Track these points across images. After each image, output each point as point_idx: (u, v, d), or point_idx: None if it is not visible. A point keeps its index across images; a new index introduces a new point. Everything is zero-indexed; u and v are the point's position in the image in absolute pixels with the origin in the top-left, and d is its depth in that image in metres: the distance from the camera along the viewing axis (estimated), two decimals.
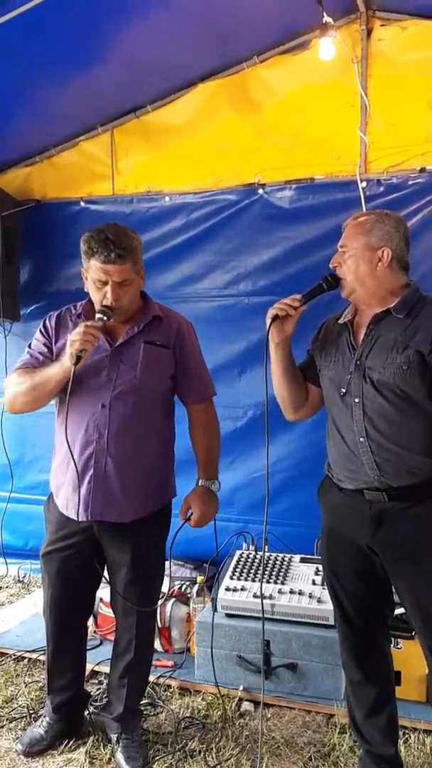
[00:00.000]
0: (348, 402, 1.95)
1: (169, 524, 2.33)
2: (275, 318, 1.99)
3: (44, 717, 2.42)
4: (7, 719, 2.57)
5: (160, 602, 2.99)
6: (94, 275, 2.09)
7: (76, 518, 2.15)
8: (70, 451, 2.10)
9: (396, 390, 1.87)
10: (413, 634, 2.51)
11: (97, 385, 2.12)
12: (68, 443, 2.11)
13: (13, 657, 2.98)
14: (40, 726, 2.40)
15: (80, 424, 2.13)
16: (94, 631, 3.02)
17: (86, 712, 2.50)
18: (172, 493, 2.36)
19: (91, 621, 3.00)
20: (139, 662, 2.36)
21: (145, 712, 2.54)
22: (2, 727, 2.53)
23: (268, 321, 2.00)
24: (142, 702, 2.49)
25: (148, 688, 2.57)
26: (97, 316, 2.08)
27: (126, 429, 2.14)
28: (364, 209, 3.12)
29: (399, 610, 2.34)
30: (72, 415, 2.13)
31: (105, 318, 2.07)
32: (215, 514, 2.33)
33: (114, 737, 2.35)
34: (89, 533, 2.19)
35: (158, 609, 2.97)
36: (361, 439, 1.92)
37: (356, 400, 1.93)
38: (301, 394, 2.14)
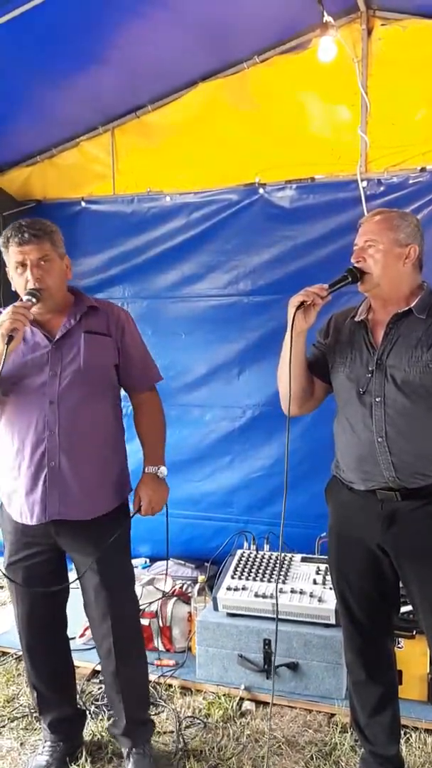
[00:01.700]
0: (367, 401, 1.93)
1: (129, 521, 2.26)
2: (299, 306, 1.93)
3: (44, 741, 2.33)
4: (8, 719, 2.57)
5: (159, 601, 3.00)
6: (13, 261, 2.07)
7: (31, 522, 2.08)
8: (26, 453, 2.06)
9: (420, 390, 1.86)
10: (414, 633, 2.52)
11: (41, 381, 2.07)
12: (19, 445, 2.06)
13: (15, 656, 2.98)
14: (42, 752, 2.30)
15: (29, 424, 2.07)
16: None
17: (84, 731, 2.42)
18: (129, 488, 2.29)
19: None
20: (124, 670, 2.23)
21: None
22: (3, 726, 2.53)
23: (293, 309, 1.93)
24: (149, 712, 2.38)
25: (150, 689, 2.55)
26: (25, 297, 2.03)
27: (76, 423, 2.08)
28: (365, 209, 3.12)
29: (403, 609, 2.34)
30: (18, 416, 2.07)
31: (33, 299, 2.02)
32: (164, 500, 2.27)
33: (125, 752, 2.27)
34: (50, 539, 2.13)
35: (159, 610, 2.98)
36: (380, 439, 1.90)
37: (377, 399, 1.91)
38: (309, 388, 2.10)
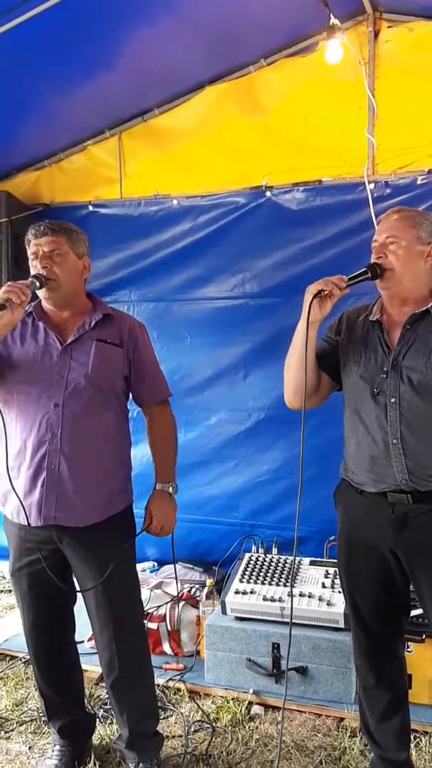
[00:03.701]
0: (381, 402, 1.91)
1: (133, 530, 2.23)
2: (316, 295, 1.89)
3: (53, 745, 2.32)
4: (17, 722, 2.57)
5: (167, 605, 2.99)
6: (30, 254, 2.13)
7: (27, 524, 2.06)
8: (27, 454, 2.06)
9: None
10: (424, 637, 2.51)
11: (48, 383, 2.08)
12: (21, 445, 2.07)
13: (23, 660, 2.98)
14: (51, 756, 2.29)
15: (32, 425, 2.07)
16: None
17: (93, 736, 2.40)
18: (131, 498, 2.25)
19: None
20: (128, 681, 2.20)
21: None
22: (12, 730, 2.53)
23: (309, 297, 1.89)
24: (156, 725, 2.31)
25: (157, 691, 2.54)
26: (29, 279, 2.07)
27: (80, 428, 2.07)
28: (372, 211, 3.12)
29: (413, 613, 2.33)
30: (24, 416, 2.08)
31: (36, 282, 2.06)
32: (174, 519, 2.24)
33: (131, 767, 2.23)
34: (53, 545, 2.11)
35: (168, 614, 2.97)
36: (395, 441, 1.89)
37: (392, 400, 1.89)
38: (316, 382, 2.06)
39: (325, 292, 1.89)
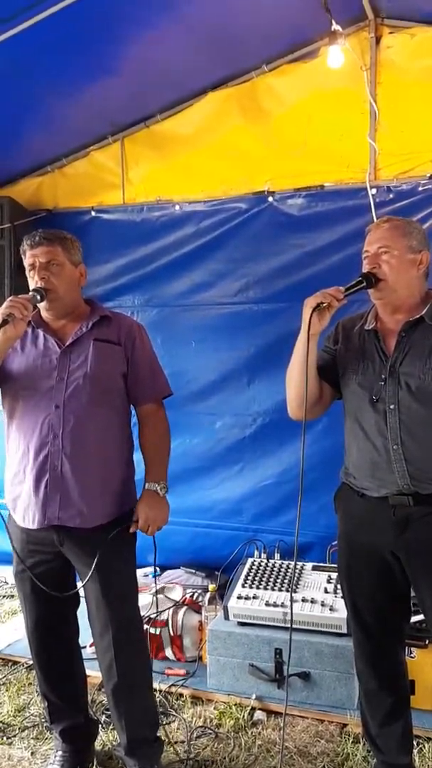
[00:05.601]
0: (380, 409, 1.93)
1: (134, 533, 2.22)
2: (315, 308, 1.91)
3: (55, 751, 2.31)
4: (19, 728, 2.57)
5: (169, 610, 2.99)
6: (26, 264, 2.15)
7: (33, 526, 2.08)
8: (30, 456, 2.08)
9: None
10: (427, 642, 2.50)
11: (49, 386, 2.10)
12: (25, 448, 2.09)
13: (26, 666, 2.98)
14: (54, 762, 2.28)
15: (34, 428, 2.09)
16: None
17: (96, 742, 2.39)
18: (134, 499, 2.24)
19: None
20: (127, 688, 2.18)
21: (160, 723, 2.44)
22: (14, 736, 2.53)
23: (309, 310, 1.92)
24: (156, 731, 2.28)
25: (160, 696, 2.54)
26: (30, 293, 2.08)
27: (81, 428, 2.08)
28: (374, 216, 3.12)
29: (415, 618, 2.33)
30: (26, 420, 2.10)
31: (37, 296, 2.08)
32: (164, 518, 2.22)
33: None
34: (55, 547, 2.12)
35: (170, 619, 2.97)
36: (395, 447, 1.90)
37: (391, 406, 1.91)
38: (318, 392, 2.07)
39: (324, 305, 1.91)
